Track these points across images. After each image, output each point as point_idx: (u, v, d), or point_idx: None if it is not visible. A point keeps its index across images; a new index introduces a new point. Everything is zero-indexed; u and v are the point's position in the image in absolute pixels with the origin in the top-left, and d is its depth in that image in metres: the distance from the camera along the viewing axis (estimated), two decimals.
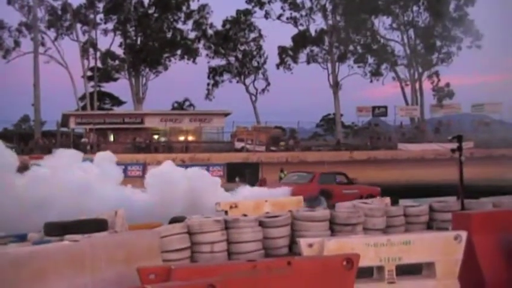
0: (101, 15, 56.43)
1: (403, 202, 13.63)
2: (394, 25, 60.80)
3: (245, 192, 18.99)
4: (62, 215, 11.07)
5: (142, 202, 15.44)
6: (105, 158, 17.88)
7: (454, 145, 12.96)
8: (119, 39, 56.85)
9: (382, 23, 60.97)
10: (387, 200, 14.52)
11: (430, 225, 12.94)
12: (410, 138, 53.95)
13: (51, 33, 55.21)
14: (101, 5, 56.00)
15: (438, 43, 60.50)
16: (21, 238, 10.17)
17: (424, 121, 60.00)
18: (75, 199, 13.36)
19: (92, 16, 56.17)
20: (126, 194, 15.92)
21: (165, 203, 15.07)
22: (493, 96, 55.14)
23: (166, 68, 58.45)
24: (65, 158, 15.96)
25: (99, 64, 57.41)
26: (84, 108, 55.69)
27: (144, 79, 57.81)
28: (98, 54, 56.91)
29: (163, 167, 17.94)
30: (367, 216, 11.90)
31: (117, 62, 57.31)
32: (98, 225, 9.91)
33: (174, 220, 11.37)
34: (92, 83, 57.48)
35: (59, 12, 55.26)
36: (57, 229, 9.62)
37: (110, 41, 56.72)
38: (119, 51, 57.03)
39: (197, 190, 16.49)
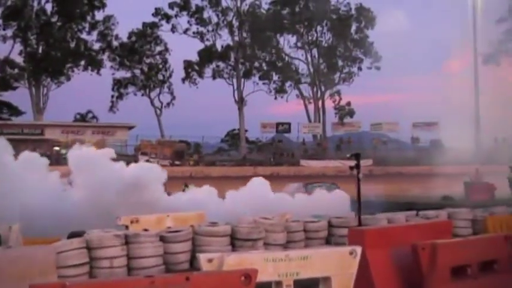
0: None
1: (303, 218, 13.87)
2: (299, 44, 62.36)
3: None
4: None
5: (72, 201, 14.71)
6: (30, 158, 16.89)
7: (354, 162, 13.39)
8: (18, 46, 54.72)
9: (287, 41, 62.53)
10: (288, 215, 14.76)
11: (328, 241, 13.28)
12: (313, 155, 55.30)
13: None
14: None
15: (340, 63, 62.60)
16: None
17: (326, 138, 61.63)
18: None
19: None
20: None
21: (98, 202, 14.34)
22: (390, 115, 57.77)
23: (69, 79, 56.80)
24: None
25: None
26: None
27: (45, 89, 55.90)
28: None
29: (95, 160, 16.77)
30: (268, 232, 12.05)
31: (16, 70, 55.10)
32: None
33: (73, 235, 11.08)
34: None
35: None
36: None
37: (9, 49, 54.50)
38: (19, 59, 54.86)
39: (139, 187, 15.76)
